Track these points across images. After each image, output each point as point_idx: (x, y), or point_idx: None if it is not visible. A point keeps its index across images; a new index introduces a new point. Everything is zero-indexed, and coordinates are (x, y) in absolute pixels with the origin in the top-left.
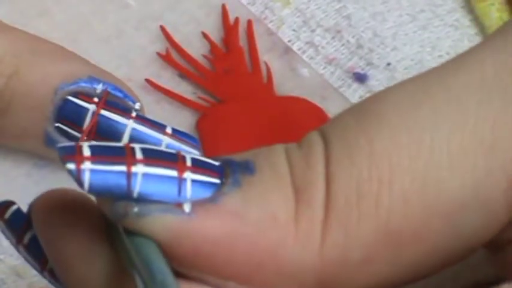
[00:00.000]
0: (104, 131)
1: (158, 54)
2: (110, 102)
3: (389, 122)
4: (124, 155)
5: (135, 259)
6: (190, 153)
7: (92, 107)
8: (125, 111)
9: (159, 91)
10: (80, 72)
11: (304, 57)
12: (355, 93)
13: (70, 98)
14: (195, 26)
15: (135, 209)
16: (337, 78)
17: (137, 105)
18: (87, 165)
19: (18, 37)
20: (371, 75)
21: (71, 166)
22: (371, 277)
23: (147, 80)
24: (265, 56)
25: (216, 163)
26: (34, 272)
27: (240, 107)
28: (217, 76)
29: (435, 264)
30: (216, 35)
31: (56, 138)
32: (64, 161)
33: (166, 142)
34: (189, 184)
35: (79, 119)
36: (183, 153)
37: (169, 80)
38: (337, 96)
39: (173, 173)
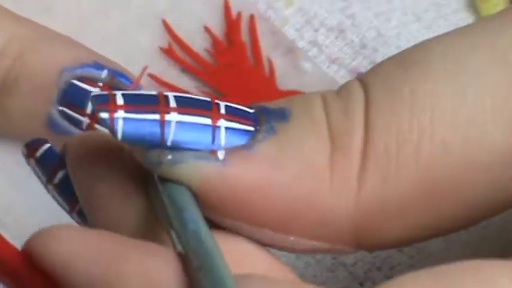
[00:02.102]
0: None
1: (161, 49)
2: (115, 87)
3: (434, 72)
4: (157, 103)
5: (168, 207)
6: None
7: (96, 91)
8: None
9: (162, 86)
10: (85, 57)
11: None
12: None
13: (75, 81)
14: (198, 21)
15: (169, 157)
16: (341, 77)
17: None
18: (120, 114)
19: (25, 22)
20: None
21: (104, 115)
22: (407, 226)
23: (150, 75)
24: (268, 54)
25: (251, 110)
26: None
27: (243, 101)
28: (219, 70)
29: (473, 216)
30: (218, 30)
31: (60, 122)
32: (97, 110)
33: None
34: (223, 132)
35: (83, 102)
36: (217, 100)
37: (171, 74)
38: None
39: (207, 120)
